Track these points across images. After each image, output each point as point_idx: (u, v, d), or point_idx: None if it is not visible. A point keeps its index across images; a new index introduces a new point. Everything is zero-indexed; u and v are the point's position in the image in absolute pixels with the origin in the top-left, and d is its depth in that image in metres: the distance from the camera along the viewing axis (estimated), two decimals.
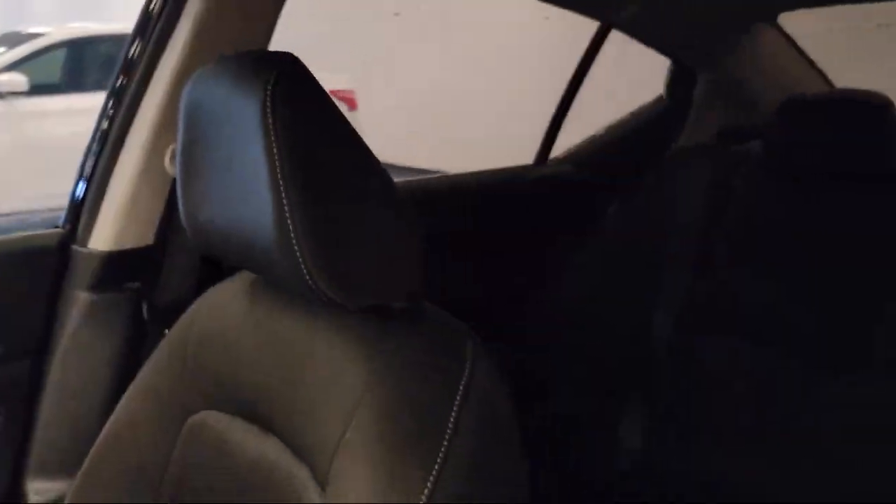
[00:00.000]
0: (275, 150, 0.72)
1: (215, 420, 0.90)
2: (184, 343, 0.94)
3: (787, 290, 1.51)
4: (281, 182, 0.73)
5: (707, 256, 1.62)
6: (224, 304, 0.93)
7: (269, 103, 0.73)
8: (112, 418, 1.02)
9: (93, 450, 1.01)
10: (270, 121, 0.72)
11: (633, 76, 2.56)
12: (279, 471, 0.85)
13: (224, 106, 0.79)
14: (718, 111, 1.95)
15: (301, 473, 0.81)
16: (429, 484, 0.71)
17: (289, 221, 0.72)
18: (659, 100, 2.03)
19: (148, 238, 1.15)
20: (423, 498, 0.70)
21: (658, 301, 1.66)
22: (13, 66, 5.44)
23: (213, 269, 1.11)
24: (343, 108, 3.94)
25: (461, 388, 0.77)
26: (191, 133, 0.84)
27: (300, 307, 0.86)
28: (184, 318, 1.01)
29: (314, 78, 0.79)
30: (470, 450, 0.75)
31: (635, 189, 1.75)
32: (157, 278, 1.15)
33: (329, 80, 5.39)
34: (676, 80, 1.99)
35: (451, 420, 0.75)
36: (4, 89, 5.27)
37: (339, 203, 0.76)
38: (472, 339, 0.82)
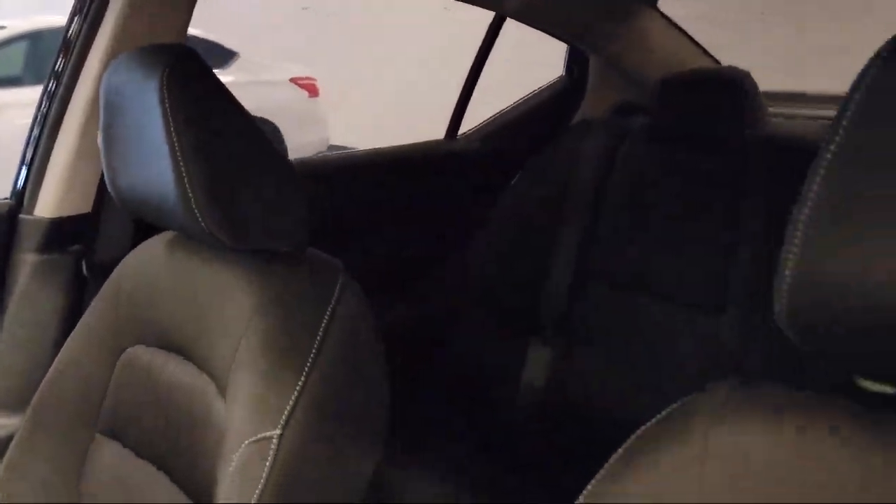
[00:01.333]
0: (171, 124, 0.90)
1: (143, 352, 1.08)
2: (116, 290, 1.13)
3: (657, 241, 1.72)
4: (178, 150, 0.91)
5: (596, 214, 1.83)
6: (149, 256, 1.12)
7: (165, 85, 0.90)
8: (57, 359, 1.19)
9: (42, 385, 1.18)
10: (167, 100, 0.90)
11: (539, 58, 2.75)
12: (194, 390, 1.03)
13: (132, 90, 0.96)
14: (613, 90, 2.14)
15: (209, 388, 1.00)
16: (299, 385, 0.90)
17: (185, 181, 0.91)
18: (560, 79, 2.22)
19: (86, 206, 1.33)
20: (294, 395, 0.90)
21: (555, 256, 1.86)
22: None
23: (148, 229, 1.29)
24: (303, 94, 4.15)
25: (328, 311, 0.96)
26: (109, 113, 1.01)
27: (206, 255, 1.05)
28: (117, 270, 1.19)
29: (205, 64, 0.97)
30: (333, 360, 0.94)
31: (537, 159, 1.95)
32: (94, 241, 1.33)
33: (289, 70, 5.52)
34: (573, 62, 2.17)
35: (319, 336, 0.94)
36: None
37: (226, 166, 0.94)
38: (343, 274, 1.02)
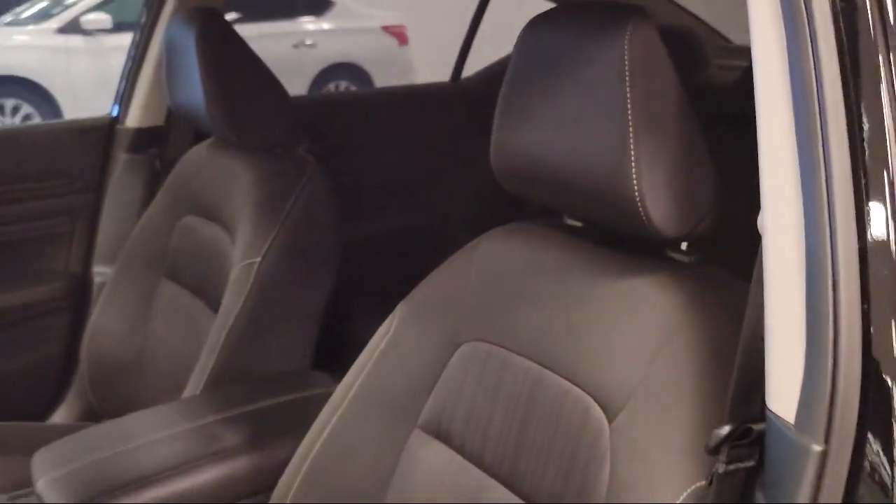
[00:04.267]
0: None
1: (192, 220, 1.38)
2: (176, 179, 1.47)
3: None
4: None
5: None
6: (197, 156, 1.41)
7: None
8: (137, 225, 1.70)
9: (127, 243, 1.70)
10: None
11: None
12: (219, 243, 1.52)
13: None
14: None
15: (226, 238, 1.50)
16: (274, 231, 1.40)
17: (206, 97, 1.24)
18: None
19: (160, 120, 1.87)
20: (271, 238, 1.39)
21: None
22: (99, 7, 6.27)
23: (199, 137, 1.76)
24: (393, 42, 4.69)
25: (299, 187, 1.44)
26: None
27: (227, 151, 1.41)
28: (177, 165, 1.70)
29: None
30: (299, 218, 1.42)
31: None
32: (165, 145, 1.87)
33: (381, 18, 6.02)
34: None
35: (290, 201, 1.43)
36: (92, 27, 6.11)
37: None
38: (312, 168, 1.50)
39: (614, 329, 0.84)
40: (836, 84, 0.58)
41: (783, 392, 0.60)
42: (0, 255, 1.80)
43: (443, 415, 0.99)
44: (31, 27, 6.36)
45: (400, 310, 1.06)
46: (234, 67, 1.45)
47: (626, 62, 0.78)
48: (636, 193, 0.78)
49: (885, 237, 0.57)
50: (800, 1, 0.59)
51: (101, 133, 1.88)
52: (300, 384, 1.31)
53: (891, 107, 0.58)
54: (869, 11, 0.59)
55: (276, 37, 6.75)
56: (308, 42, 6.84)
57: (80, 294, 1.84)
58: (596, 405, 0.83)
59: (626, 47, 0.78)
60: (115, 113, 1.90)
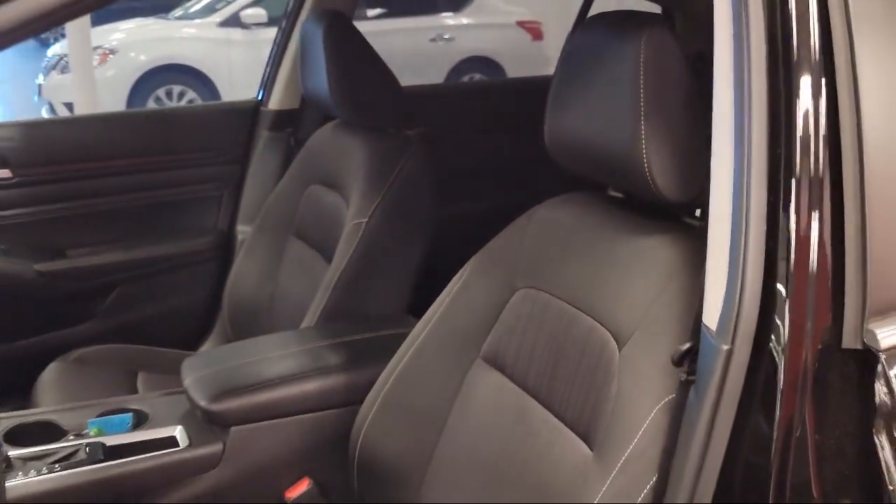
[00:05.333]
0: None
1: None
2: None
3: None
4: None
5: None
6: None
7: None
8: (274, 191, 2.04)
9: (264, 206, 2.04)
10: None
11: None
12: (338, 209, 1.82)
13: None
14: None
15: (342, 204, 1.79)
16: (380, 195, 1.67)
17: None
18: None
19: (296, 104, 2.20)
20: (377, 201, 1.66)
21: None
22: (257, 2, 6.86)
23: (325, 120, 2.06)
24: (528, 37, 4.92)
25: (402, 161, 1.71)
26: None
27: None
28: (307, 144, 2.00)
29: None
30: (401, 187, 1.69)
31: None
32: (298, 126, 2.20)
33: (516, 14, 6.31)
34: None
35: (394, 173, 1.70)
36: (250, 21, 6.72)
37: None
38: (417, 146, 1.76)
39: (628, 276, 1.03)
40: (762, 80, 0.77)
41: (711, 309, 0.80)
42: (163, 212, 2.18)
43: (499, 347, 1.19)
44: (197, 21, 7.07)
45: (471, 263, 1.28)
46: (355, 61, 1.73)
47: (641, 60, 0.95)
48: (645, 165, 0.96)
49: (785, 201, 0.76)
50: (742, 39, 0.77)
51: (248, 114, 2.23)
52: (392, 324, 1.57)
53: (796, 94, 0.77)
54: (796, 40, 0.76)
55: (415, 31, 7.13)
56: (446, 36, 7.18)
57: (225, 248, 2.20)
58: (611, 338, 1.01)
59: (641, 48, 0.96)
60: (259, 97, 2.24)
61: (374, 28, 6.94)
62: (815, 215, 0.76)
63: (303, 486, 1.40)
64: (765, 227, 0.77)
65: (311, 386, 1.42)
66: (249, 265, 2.02)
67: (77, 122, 2.79)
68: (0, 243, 1.98)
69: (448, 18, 7.41)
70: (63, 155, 2.07)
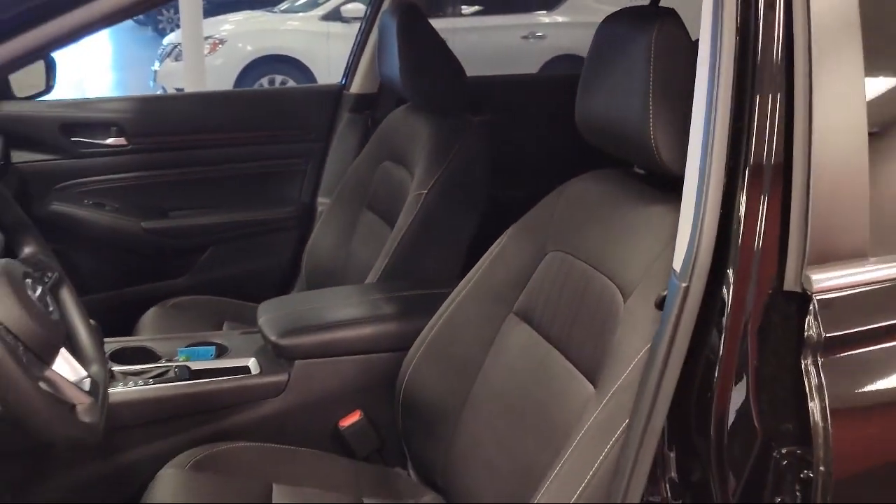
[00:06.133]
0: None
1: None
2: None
3: None
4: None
5: None
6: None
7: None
8: (350, 167, 2.26)
9: (340, 181, 2.26)
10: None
11: None
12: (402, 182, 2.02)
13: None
14: None
15: (407, 177, 2.00)
16: (439, 171, 1.86)
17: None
18: None
19: (374, 89, 2.42)
20: (436, 176, 1.86)
21: None
22: None
23: (399, 102, 2.27)
24: None
25: (459, 140, 1.90)
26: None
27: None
28: (382, 124, 2.21)
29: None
30: (459, 164, 1.88)
31: None
32: (375, 108, 2.42)
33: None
34: None
35: (453, 150, 1.89)
36: (349, 15, 7.04)
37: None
38: (474, 127, 1.95)
39: (636, 239, 1.16)
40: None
41: (678, 255, 0.96)
42: (253, 183, 2.45)
43: (529, 304, 1.35)
44: (301, 14, 7.45)
45: (509, 231, 1.44)
46: (424, 49, 1.93)
47: (652, 50, 1.08)
48: (652, 141, 1.09)
49: (743, 166, 0.91)
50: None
51: (332, 97, 2.47)
52: (442, 284, 1.74)
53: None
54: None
55: (508, 28, 7.27)
56: (538, 34, 7.31)
57: (306, 217, 2.44)
58: (618, 292, 1.15)
59: (653, 39, 1.08)
60: (343, 82, 2.47)
61: (469, 25, 7.15)
62: (767, 179, 0.90)
63: (355, 417, 1.61)
64: (722, 189, 0.92)
65: (366, 331, 1.62)
66: (326, 233, 2.25)
67: (184, 98, 3.14)
68: (114, 202, 2.28)
69: (541, 16, 7.54)
70: (171, 127, 2.36)
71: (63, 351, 1.12)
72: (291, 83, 6.86)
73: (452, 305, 1.47)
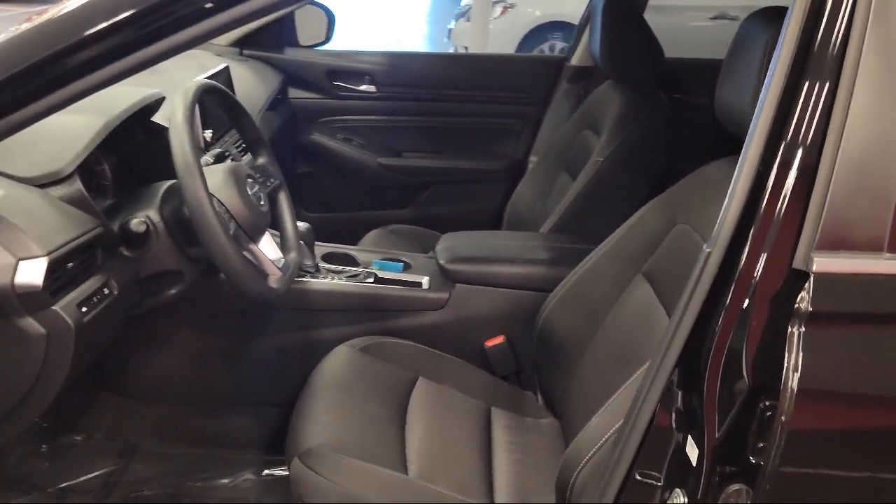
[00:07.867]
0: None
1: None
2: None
3: None
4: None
5: None
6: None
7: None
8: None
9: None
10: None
11: None
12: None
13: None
14: None
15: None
16: (615, 144, 2.06)
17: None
18: None
19: (591, 62, 2.62)
20: (612, 148, 2.06)
21: None
22: None
23: None
24: None
25: (636, 117, 2.08)
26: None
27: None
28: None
29: None
30: (625, 141, 2.06)
31: None
32: (591, 79, 2.62)
33: None
34: None
35: (624, 125, 2.07)
36: None
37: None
38: (662, 106, 2.10)
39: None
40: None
41: (717, 225, 1.12)
42: (475, 136, 2.80)
43: (654, 267, 1.51)
44: None
45: (651, 202, 1.59)
46: (624, 29, 2.11)
47: (767, 46, 1.16)
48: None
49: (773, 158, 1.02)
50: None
51: (554, 66, 2.73)
52: (597, 243, 1.95)
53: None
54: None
55: (699, 9, 6.79)
56: (731, 14, 6.75)
57: (516, 172, 2.75)
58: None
59: (769, 36, 1.15)
60: (566, 54, 2.71)
61: (657, 4, 6.74)
62: (798, 160, 1.00)
63: (498, 340, 1.90)
64: (757, 165, 1.04)
65: (517, 270, 1.90)
66: (528, 187, 2.54)
67: (428, 57, 3.58)
68: (360, 139, 2.76)
69: None
70: (414, 80, 2.78)
71: (268, 236, 1.54)
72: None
73: (592, 260, 1.67)
